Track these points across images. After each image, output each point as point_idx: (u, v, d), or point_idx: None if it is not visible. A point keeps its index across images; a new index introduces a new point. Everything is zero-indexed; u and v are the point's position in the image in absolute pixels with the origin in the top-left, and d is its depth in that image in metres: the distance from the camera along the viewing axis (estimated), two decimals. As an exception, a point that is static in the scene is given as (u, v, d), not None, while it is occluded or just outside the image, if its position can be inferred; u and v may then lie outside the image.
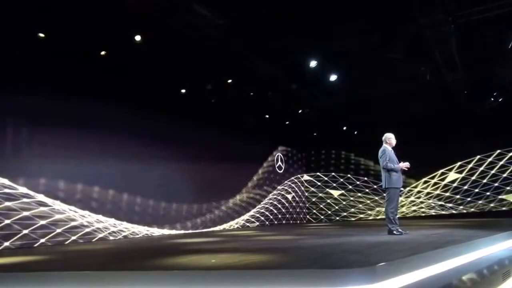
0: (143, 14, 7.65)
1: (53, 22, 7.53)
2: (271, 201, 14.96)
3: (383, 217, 7.87)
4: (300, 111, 14.16)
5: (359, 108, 13.71)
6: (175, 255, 5.29)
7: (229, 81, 11.27)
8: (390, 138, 7.06)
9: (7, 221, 7.46)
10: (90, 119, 9.03)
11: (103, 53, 8.85)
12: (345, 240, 6.43)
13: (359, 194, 16.00)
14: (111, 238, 9.23)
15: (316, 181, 16.76)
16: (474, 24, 8.31)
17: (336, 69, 10.90)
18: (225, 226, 12.73)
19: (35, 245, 7.82)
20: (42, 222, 8.00)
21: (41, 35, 7.85)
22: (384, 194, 7.01)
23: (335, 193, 16.35)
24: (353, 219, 16.01)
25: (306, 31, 8.85)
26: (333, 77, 11.15)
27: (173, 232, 10.95)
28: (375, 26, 8.67)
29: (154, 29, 8.15)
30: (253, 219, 13.88)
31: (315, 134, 16.82)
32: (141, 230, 10.05)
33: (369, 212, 15.83)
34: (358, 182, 16.12)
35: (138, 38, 8.40)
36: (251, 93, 12.25)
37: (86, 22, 7.55)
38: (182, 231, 11.17)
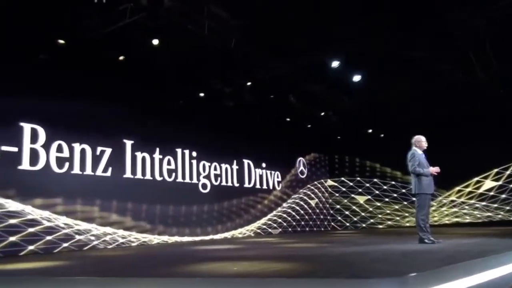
0: (158, 17, 7.77)
1: (72, 29, 7.75)
2: (293, 206, 14.91)
3: (414, 224, 7.73)
4: (322, 113, 14.07)
5: (385, 110, 13.52)
6: (197, 262, 5.33)
7: (248, 83, 11.31)
8: (420, 141, 6.90)
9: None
10: (103, 120, 9.23)
11: (121, 58, 9.04)
12: (373, 248, 6.34)
13: (387, 200, 15.75)
14: (132, 244, 9.37)
15: (340, 187, 16.61)
16: (509, 18, 8.08)
17: (360, 69, 10.79)
18: (246, 230, 12.75)
19: (55, 250, 8.01)
20: (65, 231, 8.20)
21: (61, 41, 8.08)
22: (414, 199, 6.88)
23: (361, 198, 16.16)
24: (380, 226, 15.79)
25: (327, 29, 8.80)
26: (356, 78, 11.04)
27: (194, 238, 11.03)
28: (400, 23, 8.55)
29: (169, 32, 8.26)
30: (275, 225, 13.86)
31: (338, 137, 16.68)
32: (161, 237, 10.18)
33: (398, 218, 15.57)
34: (385, 187, 15.87)
35: (155, 42, 8.52)
36: (271, 96, 12.26)
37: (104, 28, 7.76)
38: (202, 237, 11.25)
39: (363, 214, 16.07)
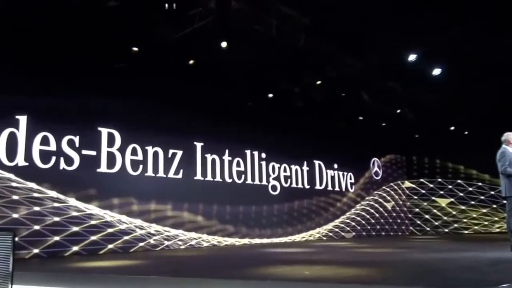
0: (228, 19, 7.95)
1: (144, 35, 8.19)
2: (367, 208, 14.50)
3: (505, 230, 7.18)
4: (398, 111, 13.52)
5: (469, 105, 12.65)
6: (268, 265, 5.37)
7: (318, 82, 11.20)
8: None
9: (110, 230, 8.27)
10: (174, 124, 9.58)
11: (191, 62, 9.39)
12: (457, 255, 5.99)
13: (473, 203, 14.73)
14: (203, 245, 9.68)
15: (419, 189, 15.85)
16: None
17: (440, 62, 10.22)
18: (317, 233, 12.63)
19: (131, 250, 8.50)
20: (141, 231, 8.69)
21: (135, 48, 8.57)
22: (505, 202, 6.37)
23: (443, 201, 15.28)
24: (466, 231, 14.83)
25: (403, 20, 8.44)
26: (436, 71, 10.47)
27: (264, 240, 11.14)
28: (483, 11, 7.97)
29: (238, 34, 8.42)
30: (348, 228, 13.58)
31: (416, 136, 15.92)
32: (231, 238, 10.42)
33: (486, 223, 14.51)
34: (470, 189, 14.84)
35: (224, 44, 8.72)
36: (342, 94, 12.03)
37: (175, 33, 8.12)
38: (272, 240, 11.32)
39: (445, 218, 15.18)
